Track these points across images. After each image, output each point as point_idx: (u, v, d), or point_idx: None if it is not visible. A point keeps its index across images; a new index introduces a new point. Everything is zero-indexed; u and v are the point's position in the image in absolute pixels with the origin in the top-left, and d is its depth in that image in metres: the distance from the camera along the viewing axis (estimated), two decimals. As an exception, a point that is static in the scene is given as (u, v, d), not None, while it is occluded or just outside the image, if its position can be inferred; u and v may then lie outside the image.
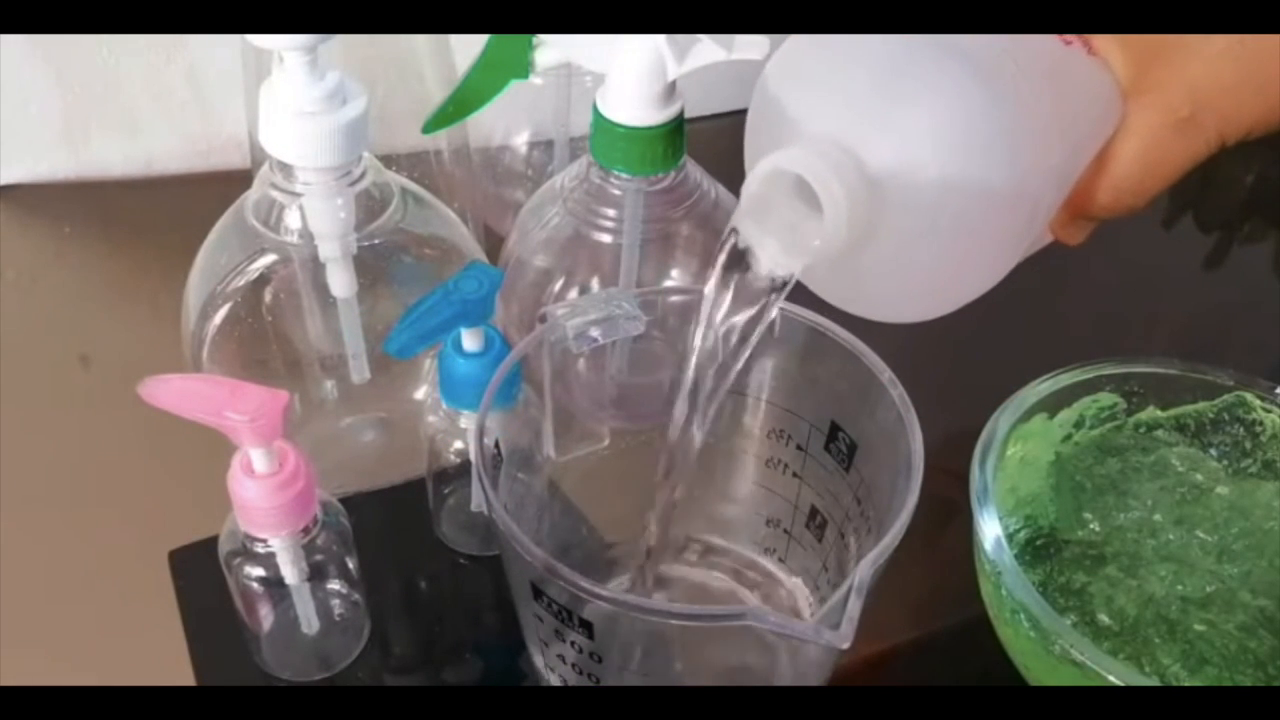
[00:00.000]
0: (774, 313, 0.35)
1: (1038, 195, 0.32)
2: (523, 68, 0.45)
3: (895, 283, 0.34)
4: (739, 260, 0.34)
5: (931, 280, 0.34)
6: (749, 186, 0.32)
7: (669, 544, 0.41)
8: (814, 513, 0.43)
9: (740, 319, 0.35)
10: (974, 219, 0.31)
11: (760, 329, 0.35)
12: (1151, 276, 0.65)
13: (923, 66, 0.31)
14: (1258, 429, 0.46)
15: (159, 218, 0.64)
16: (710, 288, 0.35)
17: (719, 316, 0.35)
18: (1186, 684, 0.40)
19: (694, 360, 0.36)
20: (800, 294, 0.38)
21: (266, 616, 0.42)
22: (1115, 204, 0.35)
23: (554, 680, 0.38)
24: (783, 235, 0.32)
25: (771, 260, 0.33)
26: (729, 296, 0.34)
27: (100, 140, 0.65)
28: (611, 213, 0.45)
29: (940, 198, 0.31)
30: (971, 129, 0.31)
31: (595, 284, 0.47)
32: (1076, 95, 0.33)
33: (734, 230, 0.33)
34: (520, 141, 0.60)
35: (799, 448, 0.42)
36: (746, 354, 0.35)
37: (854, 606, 0.31)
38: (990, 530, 0.40)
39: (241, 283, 0.43)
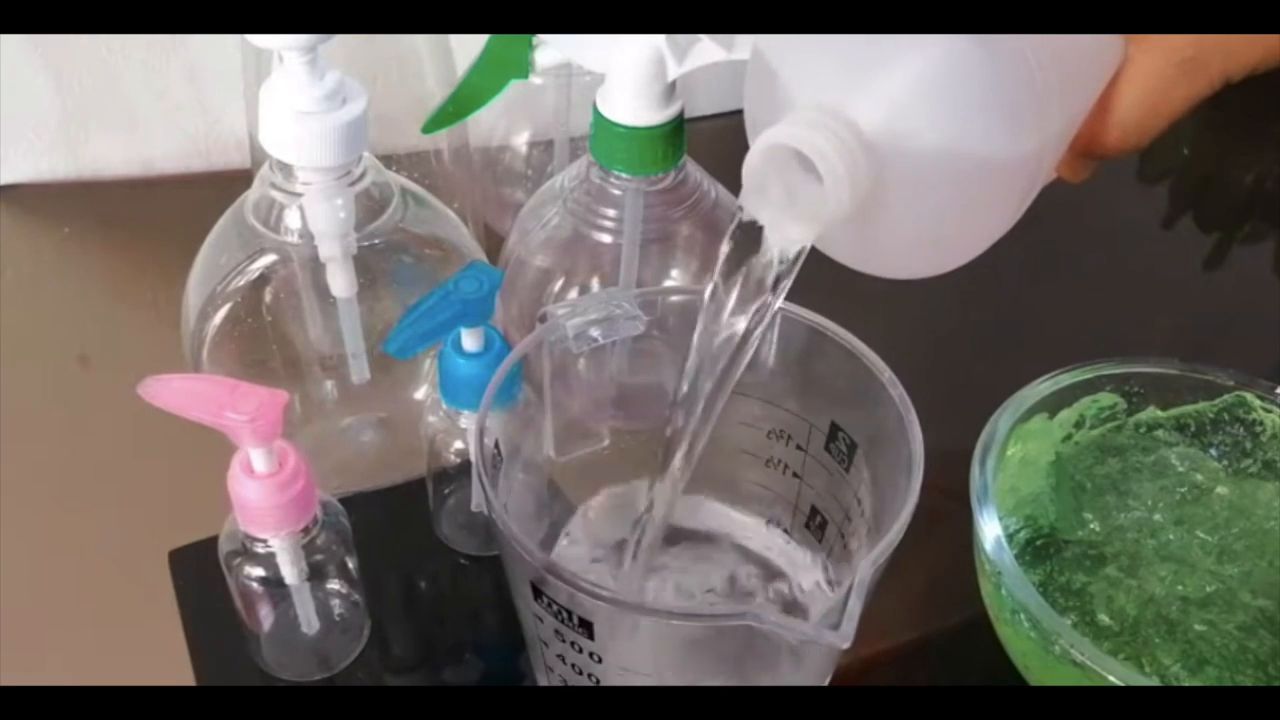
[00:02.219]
0: (786, 289, 0.34)
1: (1042, 143, 0.31)
2: (523, 68, 0.45)
3: (908, 239, 0.33)
4: (748, 241, 0.33)
5: (944, 234, 0.33)
6: (748, 165, 0.32)
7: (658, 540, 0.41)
8: (814, 513, 0.43)
9: (752, 302, 0.34)
10: (979, 172, 0.31)
11: (773, 310, 0.34)
12: (1151, 276, 0.65)
13: None
14: (1258, 429, 0.46)
15: (159, 218, 0.64)
16: (718, 274, 0.34)
17: (729, 304, 0.34)
18: (1187, 684, 0.40)
19: (699, 350, 0.35)
20: (800, 294, 0.38)
21: (266, 616, 0.42)
22: (1119, 144, 0.35)
23: (554, 680, 0.38)
24: (789, 208, 0.32)
25: (781, 234, 0.33)
26: (739, 281, 0.34)
27: (100, 140, 0.65)
28: (611, 213, 0.45)
29: (941, 153, 0.31)
30: (965, 82, 0.30)
31: (595, 284, 0.47)
32: (1077, 39, 0.33)
33: (740, 209, 0.33)
34: (520, 141, 0.60)
35: (799, 448, 0.42)
36: (757, 341, 0.35)
37: (854, 606, 0.31)
38: (990, 530, 0.40)
39: (241, 283, 0.43)
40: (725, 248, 0.34)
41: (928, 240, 0.33)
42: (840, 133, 0.30)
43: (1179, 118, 0.35)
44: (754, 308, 0.34)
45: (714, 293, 0.34)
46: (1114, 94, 0.34)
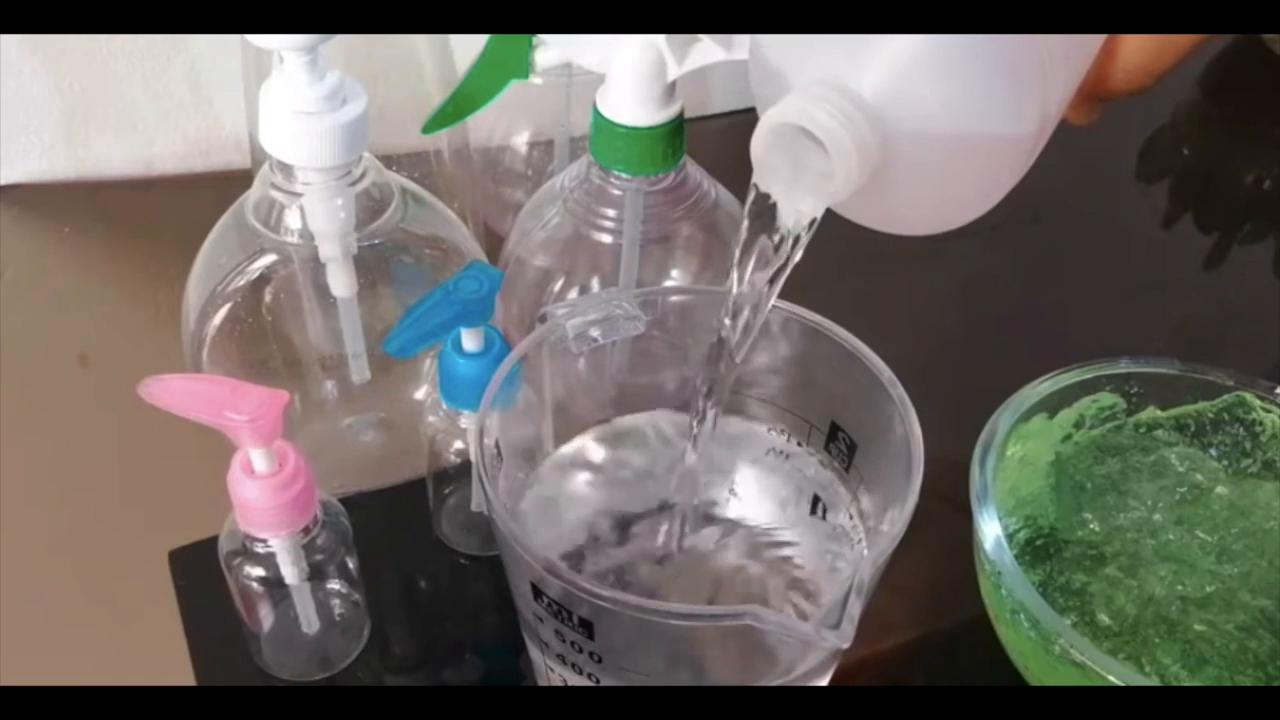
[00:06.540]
0: (797, 258, 0.34)
1: (1048, 100, 0.31)
2: (523, 68, 0.45)
3: (919, 199, 0.33)
4: (764, 214, 0.33)
5: (955, 192, 0.33)
6: (755, 143, 0.32)
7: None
8: (814, 513, 0.43)
9: (769, 267, 0.34)
10: (986, 133, 0.31)
11: (788, 270, 0.35)
12: (1151, 276, 0.65)
13: None
14: (1258, 429, 0.46)
15: (159, 218, 0.64)
16: (740, 247, 0.34)
17: (749, 267, 0.34)
18: (1186, 684, 0.40)
19: (731, 305, 0.36)
20: (800, 294, 0.38)
21: (266, 616, 0.42)
22: (1126, 87, 0.35)
23: (554, 680, 0.38)
24: (801, 182, 0.32)
25: (793, 209, 0.33)
26: (756, 253, 0.34)
27: (100, 140, 0.65)
28: (611, 213, 0.45)
29: (947, 117, 0.30)
30: (968, 46, 0.30)
31: (595, 284, 0.47)
32: None
33: (755, 185, 0.33)
34: (520, 141, 0.60)
35: (799, 447, 0.42)
36: (767, 312, 0.35)
37: (854, 606, 0.31)
38: (990, 530, 0.40)
39: (241, 283, 0.43)
40: (744, 221, 0.34)
41: (939, 199, 0.33)
42: (844, 105, 0.30)
43: (1186, 58, 0.35)
44: (768, 277, 0.34)
45: (737, 264, 0.35)
46: (1120, 37, 0.34)
